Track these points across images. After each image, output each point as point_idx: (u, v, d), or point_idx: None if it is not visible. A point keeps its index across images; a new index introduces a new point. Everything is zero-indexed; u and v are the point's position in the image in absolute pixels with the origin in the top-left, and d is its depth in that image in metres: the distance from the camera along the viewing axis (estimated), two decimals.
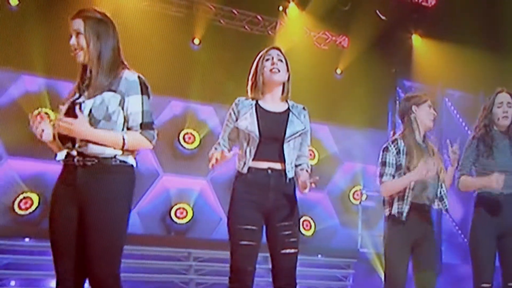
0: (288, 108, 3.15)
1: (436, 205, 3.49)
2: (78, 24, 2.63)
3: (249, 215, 2.99)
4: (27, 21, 6.95)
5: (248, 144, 3.04)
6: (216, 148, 3.11)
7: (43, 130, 2.59)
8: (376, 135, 8.48)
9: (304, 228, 8.30)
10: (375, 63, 8.61)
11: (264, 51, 3.20)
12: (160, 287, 7.02)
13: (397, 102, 8.52)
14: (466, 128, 8.53)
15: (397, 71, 9.15)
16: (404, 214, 3.37)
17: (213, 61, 7.95)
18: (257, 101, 3.13)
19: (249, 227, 2.97)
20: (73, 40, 2.65)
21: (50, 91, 6.91)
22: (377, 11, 8.29)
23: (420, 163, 3.31)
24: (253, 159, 3.02)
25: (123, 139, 2.61)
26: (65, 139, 2.61)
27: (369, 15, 8.18)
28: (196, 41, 8.01)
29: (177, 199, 7.79)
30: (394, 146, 3.46)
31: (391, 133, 8.35)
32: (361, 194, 8.74)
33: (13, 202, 6.81)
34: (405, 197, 3.38)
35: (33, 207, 6.83)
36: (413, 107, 3.53)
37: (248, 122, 3.04)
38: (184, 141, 7.92)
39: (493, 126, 3.82)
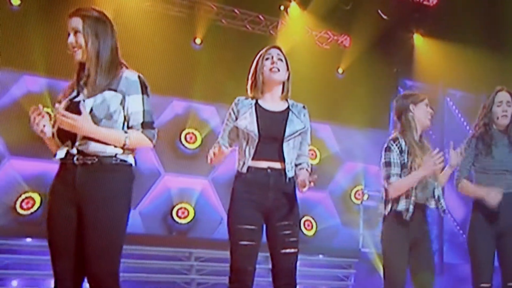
0: (288, 107, 3.14)
1: (432, 205, 3.46)
2: (77, 22, 2.63)
3: (249, 215, 2.98)
4: (28, 21, 6.95)
5: (247, 143, 3.03)
6: (214, 147, 3.11)
7: (44, 126, 2.58)
8: (378, 135, 8.45)
9: (305, 228, 8.30)
10: (377, 63, 8.60)
11: (264, 50, 3.20)
12: (161, 287, 7.02)
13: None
14: (468, 128, 8.51)
15: (398, 70, 9.14)
16: (409, 213, 3.35)
17: (214, 60, 7.95)
18: (256, 101, 3.13)
19: (248, 226, 2.96)
20: (71, 39, 2.65)
21: (51, 91, 6.91)
22: (379, 11, 8.28)
23: (425, 158, 3.29)
24: (253, 159, 3.02)
25: (125, 138, 2.62)
26: (64, 137, 2.61)
27: (371, 14, 8.17)
28: (198, 41, 8.01)
29: (178, 199, 7.79)
30: (396, 145, 3.42)
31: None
32: (363, 194, 8.74)
33: (15, 202, 6.81)
34: (411, 196, 3.36)
35: (35, 207, 6.83)
36: (411, 106, 3.50)
37: (248, 122, 3.03)
38: (186, 141, 7.93)
39: (492, 125, 3.81)
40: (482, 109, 3.87)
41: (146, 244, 6.92)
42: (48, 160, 2.69)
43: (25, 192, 6.87)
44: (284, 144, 3.03)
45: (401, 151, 3.41)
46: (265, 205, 3.01)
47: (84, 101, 2.60)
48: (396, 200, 3.39)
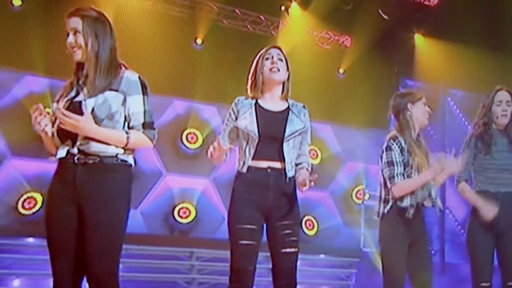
0: (288, 107, 3.14)
1: (429, 204, 3.44)
2: (76, 22, 2.64)
3: (249, 215, 2.98)
4: (30, 22, 6.96)
5: (247, 143, 3.04)
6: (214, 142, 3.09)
7: (46, 125, 2.58)
8: (379, 135, 8.41)
9: (307, 228, 8.31)
10: (378, 63, 8.60)
11: (264, 50, 3.20)
12: (162, 287, 7.03)
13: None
14: (469, 127, 8.49)
15: (399, 70, 9.13)
16: (412, 212, 3.34)
17: (215, 61, 7.96)
18: (256, 101, 3.13)
19: (248, 226, 2.96)
20: (70, 38, 2.65)
21: (53, 91, 6.89)
22: (380, 11, 8.28)
23: (434, 162, 3.26)
24: (253, 159, 3.02)
25: (127, 138, 2.62)
26: (65, 137, 2.61)
27: (372, 14, 8.17)
28: (199, 41, 8.02)
29: (180, 199, 7.80)
30: (396, 144, 3.40)
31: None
32: (364, 193, 8.75)
33: (17, 202, 6.82)
34: (415, 194, 3.36)
35: (37, 207, 6.84)
36: (409, 105, 3.48)
37: (248, 122, 3.03)
38: (187, 140, 7.93)
39: (492, 124, 3.81)
40: (482, 108, 3.86)
41: (147, 243, 6.94)
42: (50, 160, 2.70)
43: (27, 192, 6.88)
44: (284, 144, 3.03)
45: (401, 150, 3.39)
46: (265, 205, 3.01)
47: (85, 100, 2.60)
48: (399, 198, 3.37)
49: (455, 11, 8.00)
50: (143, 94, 2.70)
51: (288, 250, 3.00)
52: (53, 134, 2.63)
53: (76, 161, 2.60)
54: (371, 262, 8.09)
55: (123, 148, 2.65)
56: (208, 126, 8.06)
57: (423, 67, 8.75)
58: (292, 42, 7.84)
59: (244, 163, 3.03)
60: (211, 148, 2.91)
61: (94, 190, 2.57)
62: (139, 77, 2.72)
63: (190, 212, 7.76)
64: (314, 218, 8.45)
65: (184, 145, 7.93)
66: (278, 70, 3.11)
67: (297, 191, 3.08)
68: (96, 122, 2.57)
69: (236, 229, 2.98)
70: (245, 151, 3.04)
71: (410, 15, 8.60)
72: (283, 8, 8.30)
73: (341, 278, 8.13)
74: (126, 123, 2.69)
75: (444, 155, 3.26)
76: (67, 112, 2.52)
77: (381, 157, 3.46)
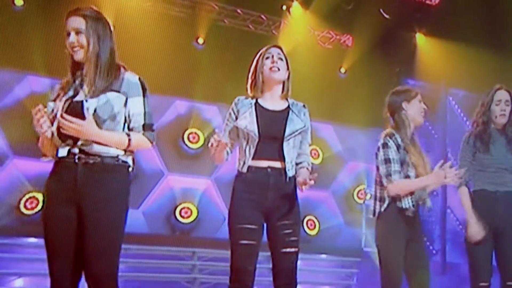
0: (288, 106, 3.14)
1: (421, 204, 3.43)
2: (79, 22, 2.64)
3: (249, 214, 2.98)
4: (31, 22, 6.96)
5: (247, 143, 3.04)
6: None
7: (48, 127, 2.58)
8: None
9: (308, 228, 8.31)
10: (379, 62, 8.58)
11: (264, 49, 3.20)
12: (164, 287, 7.04)
13: None
14: (470, 127, 8.48)
15: (401, 70, 9.11)
16: (411, 211, 3.34)
17: (217, 60, 7.96)
18: (256, 100, 3.13)
19: (249, 226, 2.96)
20: (72, 38, 2.64)
21: None
22: (381, 10, 8.27)
23: (436, 168, 3.22)
24: (253, 158, 3.02)
25: (129, 140, 2.63)
26: (65, 136, 2.60)
27: (373, 14, 8.16)
28: (200, 40, 8.01)
29: (181, 199, 7.80)
30: (393, 141, 3.38)
31: None
32: (365, 193, 8.73)
33: (19, 202, 6.82)
34: (414, 195, 3.35)
35: (39, 207, 6.83)
36: (404, 104, 3.46)
37: (248, 121, 3.03)
38: (189, 140, 7.93)
39: (490, 124, 3.80)
40: (481, 107, 3.85)
41: (149, 243, 6.94)
42: (51, 160, 2.70)
43: (28, 192, 6.88)
44: (284, 144, 3.03)
45: (398, 147, 3.38)
46: (265, 205, 3.01)
47: (86, 101, 2.60)
48: (396, 197, 3.36)
49: (456, 11, 7.99)
50: (144, 96, 2.71)
51: (288, 250, 3.00)
52: (52, 134, 2.63)
53: (77, 160, 2.59)
54: (373, 262, 8.06)
55: (124, 150, 2.66)
56: (210, 126, 8.05)
57: (425, 66, 8.74)
58: (294, 42, 7.84)
59: (244, 162, 3.04)
60: (211, 139, 2.87)
61: (95, 190, 2.57)
62: (139, 79, 2.72)
63: (191, 212, 7.76)
64: (316, 218, 8.45)
65: (186, 145, 7.93)
66: (278, 69, 3.11)
67: (298, 190, 3.08)
68: (98, 123, 2.57)
69: (236, 229, 2.98)
70: (245, 150, 3.04)
71: (411, 15, 8.59)
72: (284, 7, 8.29)
73: (343, 277, 8.13)
74: (126, 125, 2.69)
75: (446, 164, 3.22)
76: (68, 117, 2.52)
77: (377, 155, 3.45)
